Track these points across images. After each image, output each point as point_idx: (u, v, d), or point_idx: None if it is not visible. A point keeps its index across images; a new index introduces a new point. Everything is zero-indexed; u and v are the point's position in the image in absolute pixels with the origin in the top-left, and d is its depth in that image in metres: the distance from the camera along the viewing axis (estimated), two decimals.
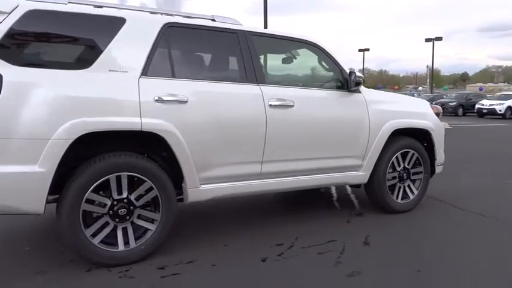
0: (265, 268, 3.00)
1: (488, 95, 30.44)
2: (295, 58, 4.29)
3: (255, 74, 3.50)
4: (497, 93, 30.22)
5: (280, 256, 3.19)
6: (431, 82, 48.90)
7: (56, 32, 2.91)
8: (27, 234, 3.70)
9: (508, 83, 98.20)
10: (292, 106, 3.57)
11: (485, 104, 24.96)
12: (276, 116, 3.49)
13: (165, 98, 3.03)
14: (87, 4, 3.05)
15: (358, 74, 3.85)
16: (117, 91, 2.92)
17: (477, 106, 25.24)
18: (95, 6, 3.06)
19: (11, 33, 2.69)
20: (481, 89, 39.34)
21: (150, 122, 2.96)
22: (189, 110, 3.12)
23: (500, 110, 23.72)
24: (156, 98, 3.00)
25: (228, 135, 3.31)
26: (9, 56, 2.66)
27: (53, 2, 2.90)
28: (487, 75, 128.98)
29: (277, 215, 4.28)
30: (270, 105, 3.47)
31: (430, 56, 44.93)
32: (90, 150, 2.95)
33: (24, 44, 2.79)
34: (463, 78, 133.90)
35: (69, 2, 2.98)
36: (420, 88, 53.37)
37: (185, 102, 3.10)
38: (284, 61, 4.32)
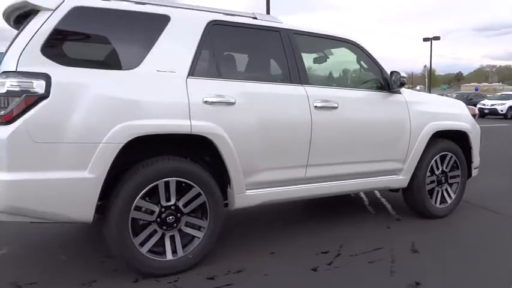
0: (318, 278, 2.87)
1: (488, 95, 30.51)
2: (328, 58, 4.16)
3: (298, 74, 3.36)
4: (498, 93, 30.31)
5: (330, 265, 3.06)
6: (430, 82, 48.93)
7: (101, 30, 2.76)
8: (58, 242, 3.55)
9: (502, 83, 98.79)
10: (336, 107, 3.44)
11: (486, 104, 24.99)
12: (321, 117, 3.36)
13: (213, 100, 2.89)
14: (129, 1, 2.89)
15: (402, 74, 3.73)
16: (166, 92, 2.78)
17: (478, 106, 25.24)
18: (137, 2, 2.91)
19: (57, 32, 2.54)
20: (476, 89, 39.40)
21: (199, 125, 2.82)
22: (236, 112, 2.98)
23: (501, 110, 23.75)
24: (205, 100, 2.86)
25: (275, 139, 3.17)
26: (55, 55, 2.51)
27: None
28: (481, 75, 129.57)
29: (313, 221, 4.14)
30: (315, 106, 3.34)
31: (425, 55, 45.41)
32: (134, 155, 2.80)
33: (70, 43, 2.64)
34: (457, 78, 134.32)
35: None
36: (418, 88, 53.39)
37: (233, 103, 2.97)
38: (316, 61, 4.19)
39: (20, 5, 2.63)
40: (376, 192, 5.25)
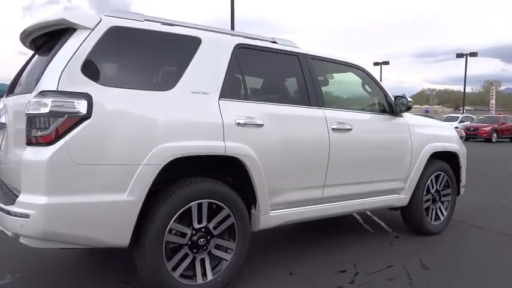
0: None
1: (435, 117, 32.30)
2: (329, 81, 4.30)
3: (316, 97, 3.46)
4: (444, 115, 32.15)
5: (353, 284, 3.12)
6: None
7: (137, 51, 2.72)
8: (70, 264, 3.37)
9: (442, 105, 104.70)
10: (350, 130, 3.57)
11: None
12: (337, 139, 3.47)
13: (244, 121, 2.91)
14: (161, 22, 2.88)
15: (409, 98, 3.93)
16: (201, 114, 2.77)
17: None
18: (169, 24, 2.90)
19: (96, 51, 2.48)
20: (427, 111, 41.80)
21: (232, 146, 2.82)
22: (264, 134, 3.02)
23: None
24: (238, 121, 2.88)
25: (297, 160, 3.23)
26: (95, 75, 2.44)
27: (131, 19, 2.72)
28: (423, 97, 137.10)
29: (320, 241, 4.19)
30: (333, 128, 3.44)
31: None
32: (163, 176, 2.75)
33: (109, 63, 2.58)
34: None
35: (145, 20, 2.81)
36: None
37: (261, 125, 3.00)
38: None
39: (55, 23, 2.55)
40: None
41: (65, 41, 2.48)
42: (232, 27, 17.51)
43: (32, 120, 2.29)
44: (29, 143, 2.31)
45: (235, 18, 17.48)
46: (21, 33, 2.95)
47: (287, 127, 3.17)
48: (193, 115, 2.73)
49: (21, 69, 3.36)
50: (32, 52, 3.29)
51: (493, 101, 40.13)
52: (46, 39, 2.85)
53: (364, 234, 4.45)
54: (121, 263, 3.39)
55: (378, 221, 5.01)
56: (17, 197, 2.47)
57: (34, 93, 2.34)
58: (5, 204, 2.39)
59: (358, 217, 5.19)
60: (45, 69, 2.40)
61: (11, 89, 3.34)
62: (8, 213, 2.31)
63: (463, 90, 42.74)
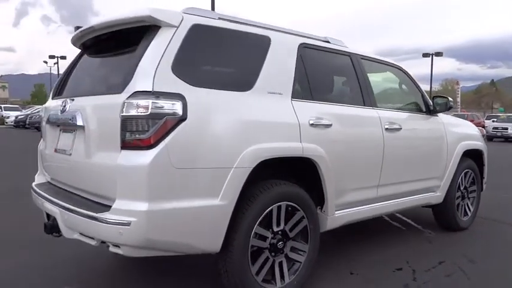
0: None
1: None
2: None
3: (369, 97, 3.48)
4: None
5: (416, 281, 3.16)
6: None
7: (217, 50, 2.64)
8: (124, 272, 3.23)
9: None
10: (400, 129, 3.61)
11: None
12: (390, 139, 3.50)
13: (316, 122, 2.89)
14: (233, 20, 2.81)
15: (450, 99, 4.02)
16: (280, 115, 2.73)
17: None
18: (241, 23, 2.84)
19: (182, 49, 2.39)
20: None
21: (309, 147, 2.79)
22: (332, 134, 3.00)
23: None
24: (311, 122, 2.85)
25: (359, 160, 3.24)
26: (185, 75, 2.35)
27: (207, 17, 2.65)
28: None
29: (360, 241, 4.20)
30: (386, 128, 3.48)
31: None
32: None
33: (194, 62, 2.48)
34: None
35: (219, 18, 2.73)
36: None
37: (330, 126, 2.99)
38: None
39: (138, 19, 2.43)
40: None
41: (150, 40, 2.37)
42: None
43: (128, 123, 2.18)
44: (125, 146, 2.19)
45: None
46: (82, 31, 2.81)
47: (350, 128, 3.18)
48: (274, 116, 2.69)
49: (68, 70, 3.21)
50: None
51: (458, 99, 41.76)
52: (111, 37, 2.72)
53: (399, 233, 4.51)
54: (174, 269, 3.29)
55: (404, 218, 5.09)
56: (98, 203, 2.37)
57: (125, 94, 2.22)
58: (94, 211, 2.26)
59: (385, 216, 5.26)
60: (133, 69, 2.28)
61: (58, 90, 3.18)
62: (102, 221, 2.19)
63: (426, 90, 44.17)
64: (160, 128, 2.16)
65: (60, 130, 2.80)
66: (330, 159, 2.95)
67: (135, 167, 2.14)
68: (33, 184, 3.18)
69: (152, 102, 2.16)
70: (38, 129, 24.20)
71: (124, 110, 2.19)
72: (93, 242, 2.38)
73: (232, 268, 2.50)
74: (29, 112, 28.97)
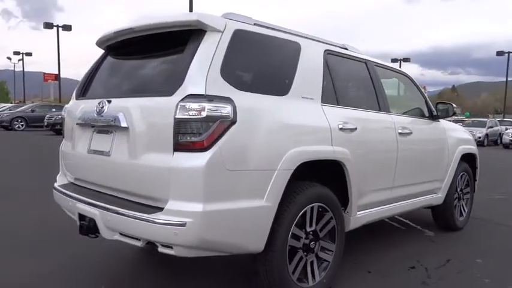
0: None
1: None
2: None
3: (384, 103, 3.64)
4: None
5: (431, 279, 3.32)
6: None
7: (257, 55, 2.70)
8: (147, 273, 3.23)
9: None
10: (411, 133, 3.78)
11: None
12: (402, 143, 3.67)
13: (344, 126, 3.00)
14: (267, 26, 2.88)
15: (454, 105, 4.23)
16: (315, 118, 2.83)
17: None
18: (274, 28, 2.91)
19: (228, 54, 2.44)
20: None
21: (339, 150, 2.90)
22: (356, 138, 3.12)
23: None
24: (340, 126, 2.96)
25: (377, 163, 3.38)
26: (231, 79, 2.41)
27: (245, 22, 2.71)
28: None
29: (364, 240, 4.35)
30: (399, 133, 3.63)
31: None
32: None
33: (238, 66, 2.53)
34: None
35: (254, 24, 2.80)
36: None
37: (355, 130, 3.11)
38: None
39: (186, 23, 2.46)
40: None
41: (197, 43, 2.41)
42: None
43: (182, 125, 2.21)
44: (178, 148, 2.22)
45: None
46: (117, 32, 2.81)
47: (371, 132, 3.32)
48: (310, 120, 2.78)
49: (92, 71, 3.18)
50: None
51: None
52: (149, 40, 2.73)
53: (400, 233, 4.69)
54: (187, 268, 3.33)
55: (401, 219, 5.28)
56: (145, 205, 2.39)
57: (177, 96, 2.25)
58: (144, 212, 2.28)
59: None
60: (183, 72, 2.31)
61: (82, 91, 3.16)
62: (155, 222, 2.21)
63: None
64: (214, 130, 2.21)
65: (94, 131, 2.78)
66: (355, 162, 3.06)
67: (191, 169, 2.18)
68: (56, 185, 3.14)
69: (207, 106, 2.20)
70: (6, 128, 23.32)
71: (177, 112, 2.22)
72: (138, 243, 2.39)
73: (272, 267, 2.57)
74: None
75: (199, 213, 2.16)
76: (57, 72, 37.14)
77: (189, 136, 2.21)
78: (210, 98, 2.24)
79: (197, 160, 2.18)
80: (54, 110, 23.50)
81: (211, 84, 2.28)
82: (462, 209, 4.91)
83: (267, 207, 2.43)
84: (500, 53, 39.67)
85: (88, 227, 2.61)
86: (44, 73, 46.12)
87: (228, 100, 2.29)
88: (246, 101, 2.41)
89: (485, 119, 27.52)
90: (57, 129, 19.82)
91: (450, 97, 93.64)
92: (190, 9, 17.32)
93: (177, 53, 2.52)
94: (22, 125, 23.41)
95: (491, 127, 24.76)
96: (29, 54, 48.08)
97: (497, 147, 22.45)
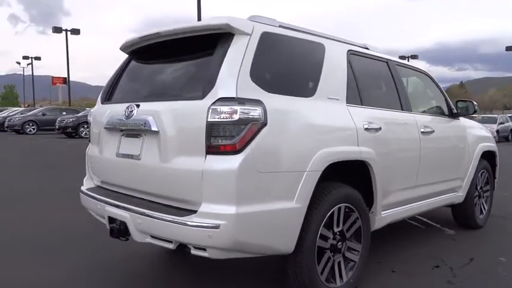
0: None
1: None
2: None
3: (406, 102, 3.63)
4: None
5: (456, 278, 3.31)
6: None
7: (284, 57, 2.72)
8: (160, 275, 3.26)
9: None
10: (433, 132, 3.77)
11: None
12: (425, 142, 3.66)
13: (368, 126, 3.01)
14: (292, 28, 2.89)
15: (475, 103, 4.21)
16: (341, 119, 2.84)
17: None
18: (299, 30, 2.92)
19: (257, 57, 2.46)
20: None
21: (365, 151, 2.91)
22: (381, 138, 3.13)
23: None
24: (365, 126, 2.97)
25: (400, 162, 3.38)
26: (261, 81, 2.43)
27: (270, 25, 2.72)
28: None
29: (387, 241, 4.35)
30: (422, 132, 3.63)
31: None
32: None
33: (266, 69, 2.54)
34: None
35: (280, 26, 2.81)
36: None
37: (379, 129, 3.11)
38: None
39: (216, 27, 2.48)
40: None
41: (226, 47, 2.43)
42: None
43: (214, 128, 2.23)
44: (211, 151, 2.25)
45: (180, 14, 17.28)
46: (143, 37, 2.84)
47: (395, 131, 3.32)
48: (337, 121, 2.79)
49: (117, 76, 3.22)
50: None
51: None
52: (176, 44, 2.75)
53: (421, 232, 4.68)
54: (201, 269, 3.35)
55: (421, 218, 5.27)
56: (177, 207, 2.41)
57: (208, 100, 2.27)
58: (177, 215, 2.30)
59: None
60: (213, 75, 2.34)
61: (108, 95, 3.19)
62: (189, 224, 2.23)
63: None
64: (246, 133, 2.22)
65: (123, 135, 2.81)
66: (380, 162, 3.07)
67: (224, 172, 2.20)
68: (84, 188, 3.18)
69: (239, 108, 2.22)
70: (18, 131, 23.56)
71: (209, 115, 2.24)
72: (170, 246, 2.42)
73: (301, 268, 2.58)
74: (5, 114, 28.13)
75: (232, 215, 2.18)
76: (65, 76, 37.48)
77: (221, 139, 2.23)
78: (241, 101, 2.25)
79: (230, 163, 2.20)
80: (64, 113, 23.76)
81: (241, 87, 2.30)
82: (482, 207, 4.89)
83: (297, 209, 2.44)
84: (509, 48, 39.22)
85: (119, 230, 2.64)
86: (53, 77, 46.54)
87: (258, 103, 2.31)
88: (275, 103, 2.42)
89: (496, 115, 27.31)
90: (68, 132, 20.07)
91: (458, 93, 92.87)
92: (199, 12, 17.34)
93: (206, 57, 2.54)
94: (33, 129, 23.66)
95: (502, 123, 24.54)
96: (38, 58, 48.54)
97: (508, 144, 22.22)
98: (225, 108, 2.22)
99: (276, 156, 2.36)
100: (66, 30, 34.55)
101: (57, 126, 20.69)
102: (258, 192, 2.29)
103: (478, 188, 4.75)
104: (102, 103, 3.19)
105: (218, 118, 2.23)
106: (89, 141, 3.28)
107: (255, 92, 2.35)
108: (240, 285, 3.16)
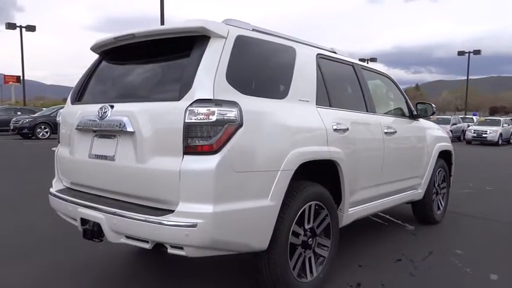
0: (423, 281, 3.29)
1: None
2: None
3: (370, 104, 3.81)
4: None
5: (418, 270, 3.51)
6: None
7: (257, 60, 2.79)
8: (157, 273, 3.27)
9: None
10: (395, 133, 3.97)
11: None
12: (388, 142, 3.85)
13: (337, 127, 3.14)
14: (264, 32, 2.98)
15: (433, 105, 4.46)
16: (311, 120, 2.94)
17: None
18: (271, 34, 3.01)
19: (232, 59, 2.52)
20: None
21: (334, 150, 3.04)
22: (348, 138, 3.27)
23: None
24: (334, 127, 3.10)
25: (366, 161, 3.54)
26: (236, 83, 2.49)
27: (244, 28, 2.80)
28: None
29: (349, 237, 4.52)
30: (385, 132, 3.82)
31: None
32: None
33: (241, 71, 2.61)
34: None
35: (253, 29, 2.89)
36: None
37: (347, 130, 3.25)
38: None
39: (191, 30, 2.52)
40: None
41: (202, 49, 2.48)
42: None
43: (192, 129, 2.28)
44: (188, 152, 2.29)
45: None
46: (117, 38, 2.84)
47: (361, 132, 3.48)
48: (308, 122, 2.90)
49: (87, 77, 3.19)
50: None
51: None
52: (150, 45, 2.78)
53: (383, 228, 4.89)
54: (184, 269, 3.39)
55: (382, 214, 5.50)
56: (152, 207, 2.44)
57: (185, 101, 2.32)
58: (153, 215, 2.33)
59: None
60: (190, 77, 2.38)
61: (78, 96, 3.16)
62: (166, 224, 2.27)
63: None
64: (223, 134, 2.29)
65: (95, 136, 2.80)
66: (348, 162, 3.21)
67: (202, 171, 2.25)
68: (53, 190, 3.13)
69: (217, 110, 2.28)
70: None
71: (187, 116, 2.28)
72: (146, 245, 2.44)
73: (274, 264, 2.67)
74: None
75: (210, 214, 2.24)
76: (17, 74, 35.86)
77: (199, 140, 2.28)
78: (218, 103, 2.31)
79: (207, 163, 2.25)
80: (19, 113, 22.78)
81: (218, 89, 2.36)
82: (439, 203, 5.17)
83: (271, 207, 2.53)
84: (461, 53, 41.24)
85: (92, 231, 2.63)
86: (5, 75, 44.39)
87: (234, 104, 2.38)
88: (250, 104, 2.50)
89: (449, 116, 28.63)
90: (24, 133, 19.27)
91: (414, 95, 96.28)
92: (162, 13, 17.16)
93: (181, 59, 2.59)
94: None
95: (454, 124, 25.81)
96: None
97: (460, 143, 23.35)
98: (203, 110, 2.28)
99: (251, 156, 2.44)
100: (20, 27, 33.18)
101: (11, 127, 19.81)
102: (234, 191, 2.36)
103: (436, 185, 5.02)
104: (72, 103, 3.15)
105: (195, 119, 2.28)
106: (58, 142, 3.23)
107: (230, 93, 2.42)
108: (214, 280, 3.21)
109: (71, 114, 3.04)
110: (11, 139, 19.14)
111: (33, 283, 3.13)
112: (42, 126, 19.39)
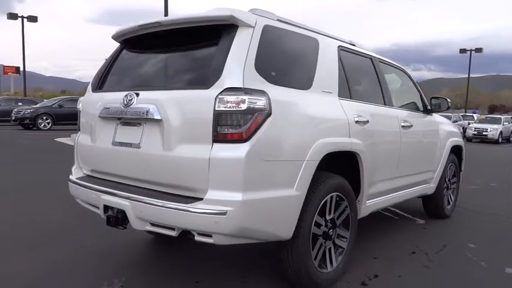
0: (435, 274, 3.32)
1: None
2: None
3: (388, 97, 3.81)
4: None
5: (433, 263, 3.54)
6: None
7: (284, 50, 2.79)
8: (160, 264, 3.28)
9: None
10: (411, 126, 3.98)
11: None
12: (404, 135, 3.86)
13: (359, 119, 3.15)
14: (290, 23, 2.97)
15: (448, 100, 4.46)
16: (335, 111, 2.95)
17: None
18: (295, 25, 3.01)
19: (260, 49, 2.52)
20: None
21: (355, 142, 3.05)
22: (368, 130, 3.28)
23: None
24: (356, 119, 3.10)
25: (384, 154, 3.55)
26: (265, 72, 2.49)
27: (269, 18, 2.79)
28: None
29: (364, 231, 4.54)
30: (402, 126, 3.82)
31: None
32: None
33: (268, 61, 2.60)
34: None
35: (278, 19, 2.89)
36: None
37: (367, 122, 3.26)
38: None
39: (220, 18, 2.51)
40: None
41: (230, 38, 2.47)
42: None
43: (222, 117, 2.28)
44: (218, 140, 2.29)
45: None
46: (141, 25, 2.83)
47: (380, 125, 3.48)
48: (332, 113, 2.91)
49: (109, 65, 3.18)
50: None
51: None
52: (177, 34, 2.77)
53: (395, 222, 4.92)
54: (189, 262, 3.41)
55: (392, 209, 5.52)
56: (179, 195, 2.44)
57: (215, 89, 2.32)
58: (180, 202, 2.34)
59: None
60: (219, 66, 2.38)
61: (99, 84, 3.16)
62: (194, 211, 2.27)
63: None
64: (253, 122, 2.29)
65: (119, 123, 2.80)
66: (368, 154, 3.22)
67: (231, 159, 2.25)
68: (73, 177, 3.13)
69: (247, 98, 2.28)
70: None
71: (217, 104, 2.28)
72: (172, 233, 2.45)
73: (297, 254, 2.68)
74: None
75: (239, 202, 2.25)
76: (17, 65, 35.63)
77: (229, 128, 2.28)
78: (247, 91, 2.31)
79: (237, 151, 2.26)
80: (20, 104, 22.71)
81: (247, 77, 2.36)
82: (450, 198, 5.20)
83: (297, 196, 2.54)
84: (463, 51, 41.21)
85: (116, 218, 2.63)
86: (4, 66, 44.17)
87: (263, 93, 2.38)
88: (278, 94, 2.50)
89: (450, 114, 28.70)
90: (25, 123, 19.23)
91: None
92: (166, 3, 17.03)
93: (208, 47, 2.59)
94: None
95: (455, 121, 25.88)
96: None
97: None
98: (232, 98, 2.28)
99: (279, 145, 2.44)
100: (22, 17, 32.97)
101: (13, 118, 19.75)
102: (262, 180, 2.36)
103: (447, 180, 5.04)
104: (93, 91, 3.15)
105: (225, 107, 2.28)
106: (78, 129, 3.23)
107: (259, 82, 2.42)
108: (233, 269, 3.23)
109: (93, 102, 3.03)
110: (13, 129, 19.10)
111: (46, 273, 3.13)
112: (44, 117, 19.34)
